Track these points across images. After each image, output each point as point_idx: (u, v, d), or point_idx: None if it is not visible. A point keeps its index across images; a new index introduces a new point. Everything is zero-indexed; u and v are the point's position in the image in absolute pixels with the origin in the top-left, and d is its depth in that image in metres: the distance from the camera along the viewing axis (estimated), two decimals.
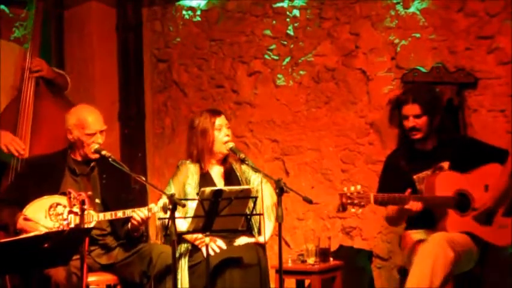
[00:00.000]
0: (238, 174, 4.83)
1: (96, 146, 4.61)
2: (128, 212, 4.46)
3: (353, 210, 4.45)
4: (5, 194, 4.73)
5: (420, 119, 4.67)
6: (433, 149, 4.75)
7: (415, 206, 4.49)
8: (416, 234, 4.67)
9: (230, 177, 4.81)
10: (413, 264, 4.42)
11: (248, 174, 4.85)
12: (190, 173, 4.73)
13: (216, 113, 4.83)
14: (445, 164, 4.67)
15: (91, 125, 4.64)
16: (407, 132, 4.71)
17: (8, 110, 5.38)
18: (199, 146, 4.75)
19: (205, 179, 4.73)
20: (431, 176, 4.64)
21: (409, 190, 4.54)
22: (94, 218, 4.45)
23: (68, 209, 4.46)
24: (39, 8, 5.43)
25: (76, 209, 4.44)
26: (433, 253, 4.36)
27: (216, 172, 4.80)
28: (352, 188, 4.46)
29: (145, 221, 4.47)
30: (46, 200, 4.50)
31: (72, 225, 4.41)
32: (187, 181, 4.72)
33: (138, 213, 4.43)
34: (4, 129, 5.23)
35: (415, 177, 4.70)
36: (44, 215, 4.46)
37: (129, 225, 4.52)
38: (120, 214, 4.48)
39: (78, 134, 4.64)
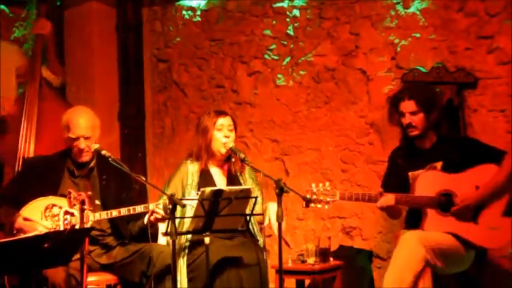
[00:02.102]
0: (241, 181, 4.81)
1: (97, 146, 4.60)
2: (124, 211, 4.46)
3: (319, 206, 4.55)
4: (3, 192, 4.73)
5: (416, 115, 4.70)
6: (431, 147, 4.78)
7: (385, 202, 4.55)
8: (403, 234, 4.69)
9: (232, 179, 4.80)
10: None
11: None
12: (190, 173, 4.72)
13: (221, 113, 4.81)
14: (438, 165, 4.69)
15: (74, 129, 4.61)
16: (406, 129, 4.74)
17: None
18: (198, 143, 4.76)
19: (205, 177, 4.73)
20: (415, 176, 4.67)
21: (380, 190, 4.61)
22: (90, 218, 4.44)
23: (63, 209, 4.46)
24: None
25: (72, 210, 4.44)
26: (402, 252, 4.44)
27: (217, 172, 4.80)
28: (320, 185, 4.56)
29: (164, 218, 4.44)
30: (42, 201, 4.50)
31: (68, 226, 4.41)
32: (187, 182, 4.71)
33: (157, 210, 4.42)
34: (6, 129, 5.29)
35: (410, 174, 4.73)
36: (39, 216, 4.46)
37: (146, 220, 4.50)
38: (115, 213, 4.47)
39: (65, 136, 4.65)
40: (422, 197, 4.59)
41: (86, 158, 4.65)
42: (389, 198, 4.54)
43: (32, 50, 5.65)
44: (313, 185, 4.57)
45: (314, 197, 4.52)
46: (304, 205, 4.53)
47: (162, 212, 4.40)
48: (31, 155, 5.28)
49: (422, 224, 4.60)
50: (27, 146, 5.35)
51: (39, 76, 5.51)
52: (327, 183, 4.59)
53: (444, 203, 4.61)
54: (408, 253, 4.42)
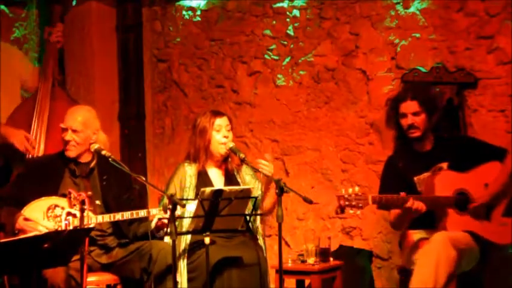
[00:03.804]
0: (239, 180, 4.81)
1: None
2: (127, 215, 4.46)
3: (351, 211, 4.44)
4: (4, 193, 4.73)
5: (419, 116, 4.69)
6: (431, 149, 4.77)
7: (416, 204, 4.48)
8: (416, 234, 4.68)
9: (230, 179, 4.80)
10: (416, 264, 4.44)
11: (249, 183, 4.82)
12: (188, 175, 4.70)
13: (218, 113, 4.80)
14: (444, 165, 4.69)
15: (65, 120, 4.66)
16: (406, 131, 4.71)
17: (21, 110, 5.44)
18: (196, 145, 4.74)
19: (203, 179, 4.72)
20: (430, 177, 4.65)
21: (403, 193, 4.54)
22: (92, 220, 4.44)
23: (66, 210, 4.46)
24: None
25: (74, 211, 4.43)
26: (436, 253, 4.38)
27: (215, 172, 4.79)
28: (350, 190, 4.44)
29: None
30: (44, 202, 4.49)
31: (71, 227, 4.40)
32: (185, 184, 4.69)
33: (163, 214, 4.42)
34: (17, 128, 5.30)
35: (415, 178, 4.71)
36: (42, 216, 4.45)
37: (153, 225, 4.50)
38: (118, 216, 4.47)
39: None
40: (445, 197, 4.58)
41: (70, 153, 4.64)
42: (421, 203, 4.48)
43: (45, 55, 5.66)
44: (343, 190, 4.45)
45: (347, 203, 4.40)
46: (339, 211, 4.43)
47: (165, 215, 4.39)
48: (40, 154, 5.30)
49: (444, 224, 4.57)
50: (36, 146, 5.36)
51: (52, 76, 5.53)
52: (357, 188, 4.46)
53: (460, 202, 4.61)
54: (440, 254, 4.36)
